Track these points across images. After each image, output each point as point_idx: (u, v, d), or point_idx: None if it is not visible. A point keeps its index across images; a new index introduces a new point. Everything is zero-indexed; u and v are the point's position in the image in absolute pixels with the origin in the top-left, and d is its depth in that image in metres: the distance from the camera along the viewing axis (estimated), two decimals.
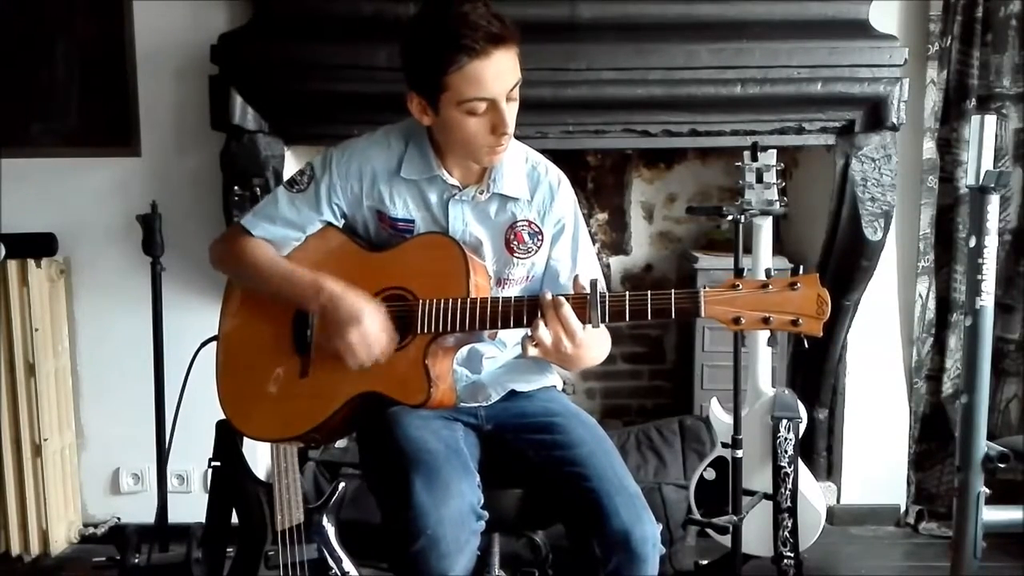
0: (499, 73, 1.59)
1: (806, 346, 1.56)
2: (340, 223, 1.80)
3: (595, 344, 1.65)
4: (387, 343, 1.65)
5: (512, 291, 1.80)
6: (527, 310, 1.60)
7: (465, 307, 1.61)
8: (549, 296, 1.58)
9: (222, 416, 1.80)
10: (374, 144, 1.78)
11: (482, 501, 1.64)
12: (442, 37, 1.57)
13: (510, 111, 1.63)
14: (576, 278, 1.61)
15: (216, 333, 1.84)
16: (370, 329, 1.63)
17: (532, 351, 1.58)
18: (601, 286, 1.56)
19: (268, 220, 1.78)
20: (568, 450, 1.70)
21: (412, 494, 1.56)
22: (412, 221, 1.76)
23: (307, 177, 1.77)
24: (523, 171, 1.79)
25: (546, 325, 1.56)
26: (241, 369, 1.78)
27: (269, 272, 1.75)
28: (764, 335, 2.41)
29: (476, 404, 1.83)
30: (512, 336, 1.85)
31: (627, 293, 1.56)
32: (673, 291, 1.53)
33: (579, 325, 1.55)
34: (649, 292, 1.55)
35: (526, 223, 1.78)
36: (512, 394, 1.85)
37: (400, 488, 1.59)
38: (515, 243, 1.78)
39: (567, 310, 1.55)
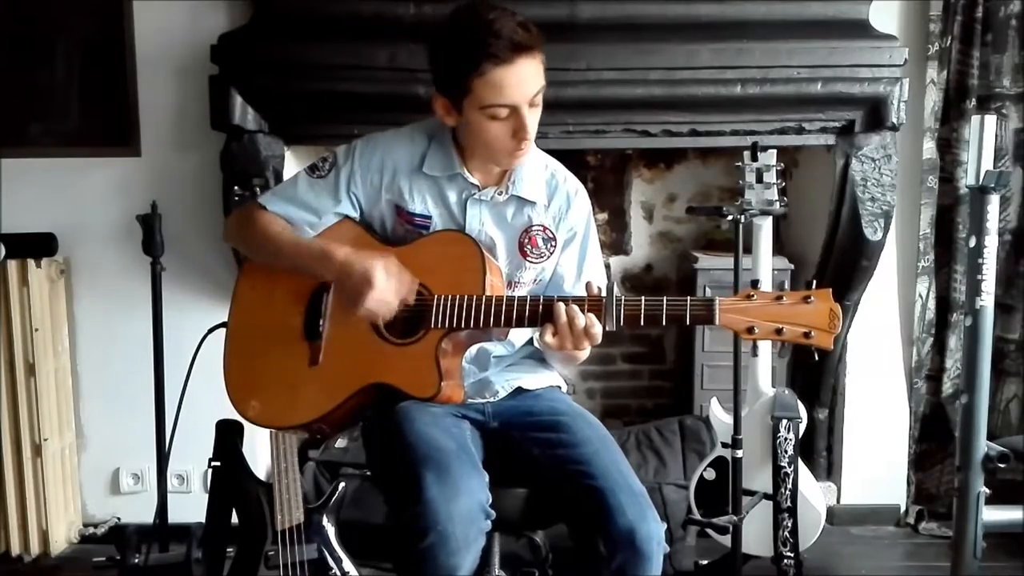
0: (521, 80, 1.61)
1: (816, 358, 1.57)
2: (357, 215, 1.80)
3: None
4: (408, 284, 1.67)
5: (520, 293, 1.81)
6: (542, 311, 1.61)
7: (480, 305, 1.63)
8: (563, 307, 1.58)
9: (222, 416, 1.80)
10: (399, 138, 1.79)
11: (490, 500, 1.64)
12: (468, 43, 1.59)
13: (532, 117, 1.66)
14: (588, 284, 1.63)
15: (223, 321, 1.83)
16: (384, 286, 1.64)
17: (549, 339, 1.60)
18: (617, 290, 1.57)
19: (286, 200, 1.79)
20: (573, 449, 1.70)
21: (423, 489, 1.57)
22: (429, 217, 1.77)
23: (329, 164, 1.79)
24: (542, 177, 1.81)
25: (570, 327, 1.57)
26: (249, 355, 1.77)
27: (279, 243, 1.76)
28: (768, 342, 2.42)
29: (483, 400, 1.84)
30: (522, 336, 1.86)
31: (643, 298, 1.57)
32: (689, 299, 1.56)
33: (599, 328, 1.57)
34: (665, 298, 1.56)
35: (541, 228, 1.80)
36: (518, 392, 1.85)
37: (410, 484, 1.59)
38: (529, 247, 1.80)
39: (591, 318, 1.57)
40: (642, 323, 1.57)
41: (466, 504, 1.58)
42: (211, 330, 1.99)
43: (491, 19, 1.59)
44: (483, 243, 1.74)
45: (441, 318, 1.64)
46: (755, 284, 1.88)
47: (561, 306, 1.58)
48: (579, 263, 1.84)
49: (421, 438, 1.66)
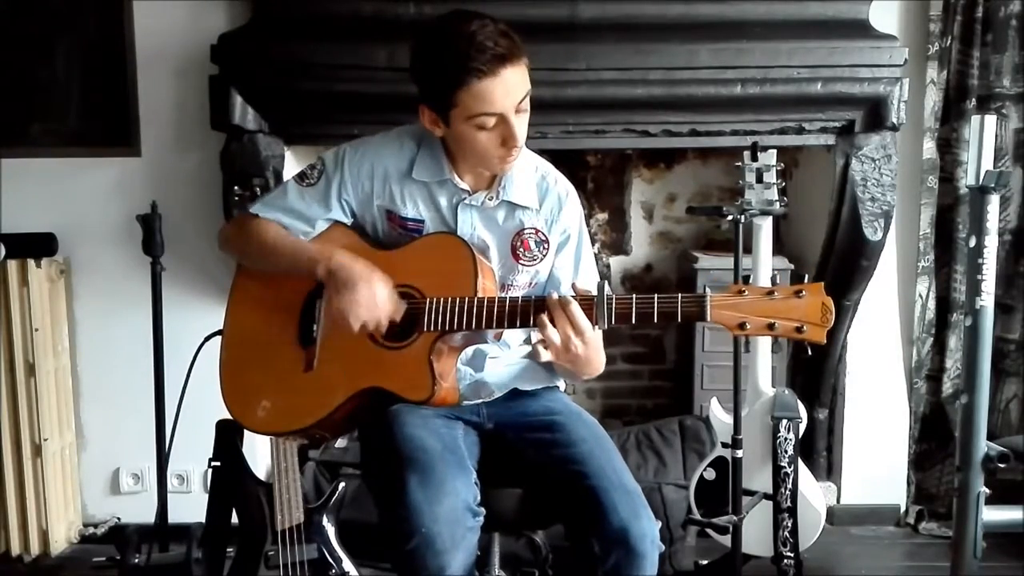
0: (507, 90, 1.60)
1: (809, 353, 1.57)
2: (349, 221, 1.80)
3: (600, 347, 1.67)
4: (392, 310, 1.65)
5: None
6: (533, 309, 1.60)
7: (471, 306, 1.62)
8: (556, 295, 1.59)
9: (222, 416, 1.80)
10: (387, 144, 1.79)
11: (478, 499, 1.64)
12: (451, 58, 1.57)
13: (520, 123, 1.64)
14: (573, 284, 1.63)
15: (220, 328, 1.83)
16: (378, 290, 1.64)
17: (544, 355, 1.59)
18: (607, 289, 1.57)
19: (277, 209, 1.79)
20: (568, 448, 1.71)
21: (406, 492, 1.57)
22: (422, 221, 1.77)
23: (318, 172, 1.78)
24: (533, 180, 1.80)
25: (554, 324, 1.57)
26: (245, 362, 1.77)
27: (276, 246, 1.76)
28: (767, 339, 2.41)
29: (479, 401, 1.83)
30: (516, 337, 1.86)
31: (634, 296, 1.57)
32: (680, 295, 1.55)
33: (587, 322, 1.56)
34: (656, 296, 1.56)
35: (533, 231, 1.79)
36: (514, 393, 1.85)
37: (395, 486, 1.59)
38: (521, 250, 1.79)
39: (575, 307, 1.56)
40: (633, 321, 1.56)
41: (450, 505, 1.58)
42: (207, 338, 1.99)
43: (473, 31, 1.57)
44: (475, 246, 1.74)
45: (433, 321, 1.63)
46: (746, 280, 1.88)
47: (554, 294, 1.59)
48: (575, 264, 1.84)
49: (407, 440, 1.67)
